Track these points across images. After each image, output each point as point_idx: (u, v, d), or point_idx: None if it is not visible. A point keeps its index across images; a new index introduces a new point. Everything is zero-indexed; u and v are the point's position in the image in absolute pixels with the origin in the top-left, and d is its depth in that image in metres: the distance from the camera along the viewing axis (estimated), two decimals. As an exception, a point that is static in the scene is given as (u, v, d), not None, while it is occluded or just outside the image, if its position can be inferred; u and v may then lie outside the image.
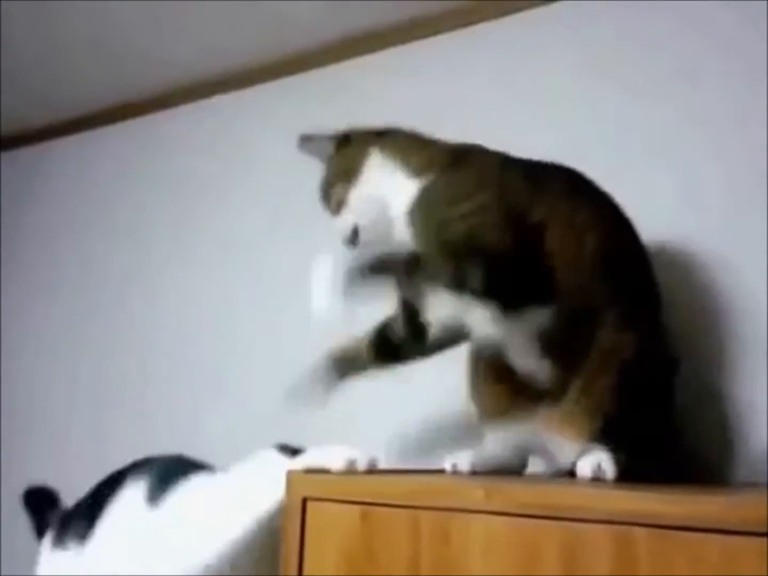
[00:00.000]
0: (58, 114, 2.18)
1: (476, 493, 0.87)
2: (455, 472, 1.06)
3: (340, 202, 1.14)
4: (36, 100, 2.12)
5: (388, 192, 1.11)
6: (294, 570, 0.95)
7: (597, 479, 0.97)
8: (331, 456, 1.01)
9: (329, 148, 1.19)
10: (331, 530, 0.95)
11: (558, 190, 1.08)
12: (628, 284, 1.05)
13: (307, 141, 1.21)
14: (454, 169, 1.09)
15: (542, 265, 1.02)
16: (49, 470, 2.00)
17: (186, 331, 1.88)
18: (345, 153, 1.16)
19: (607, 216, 1.09)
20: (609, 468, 0.98)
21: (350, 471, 1.00)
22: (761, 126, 1.24)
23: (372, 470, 1.01)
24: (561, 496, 0.84)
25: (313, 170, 1.72)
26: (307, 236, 1.70)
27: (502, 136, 1.50)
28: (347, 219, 1.14)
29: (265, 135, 1.84)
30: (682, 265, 1.26)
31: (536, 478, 1.04)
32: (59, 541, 1.21)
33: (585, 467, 0.98)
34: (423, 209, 1.07)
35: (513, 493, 0.86)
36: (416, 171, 1.09)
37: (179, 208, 1.98)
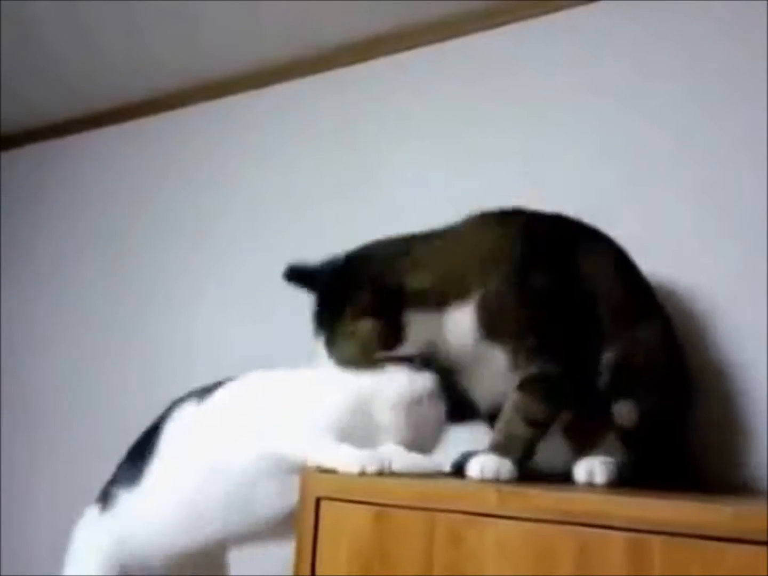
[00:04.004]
0: (61, 113, 2.19)
1: (490, 497, 0.87)
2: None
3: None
4: (38, 98, 2.13)
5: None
6: (307, 569, 0.96)
7: (590, 484, 1.01)
8: (347, 457, 1.01)
9: None
10: (345, 530, 0.95)
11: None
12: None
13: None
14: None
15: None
16: (50, 472, 2.02)
17: (189, 326, 1.89)
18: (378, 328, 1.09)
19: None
20: (600, 473, 1.02)
21: (362, 473, 0.99)
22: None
23: (383, 473, 1.00)
24: (576, 501, 0.84)
25: (314, 172, 1.75)
26: (316, 233, 1.72)
27: (512, 140, 1.52)
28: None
29: (277, 136, 1.85)
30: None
31: (551, 483, 1.04)
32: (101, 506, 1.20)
33: (580, 472, 1.03)
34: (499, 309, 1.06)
35: (527, 497, 0.86)
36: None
37: (183, 207, 1.98)
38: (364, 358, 1.09)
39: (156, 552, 1.14)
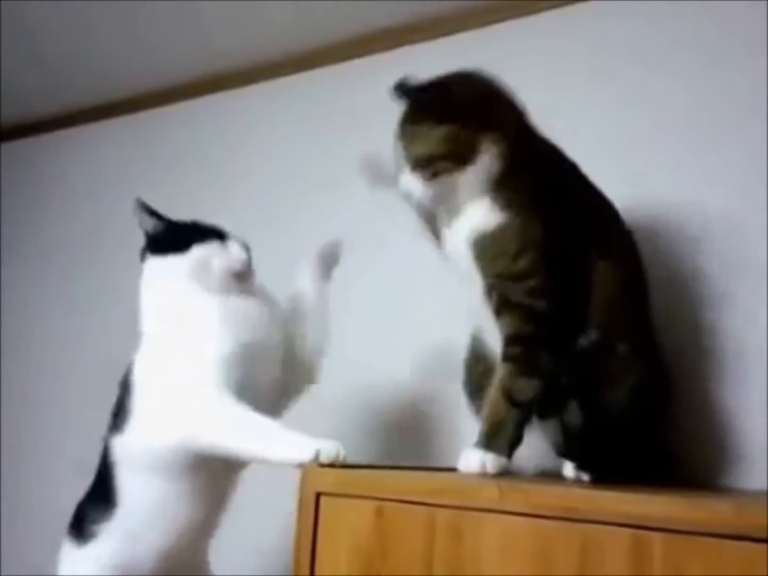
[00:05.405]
0: (61, 105, 2.18)
1: (491, 493, 0.87)
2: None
3: (437, 174, 1.07)
4: (38, 91, 2.12)
5: (471, 201, 1.07)
6: (306, 565, 0.96)
7: (578, 480, 1.03)
8: (295, 446, 1.01)
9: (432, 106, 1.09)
10: (345, 526, 0.95)
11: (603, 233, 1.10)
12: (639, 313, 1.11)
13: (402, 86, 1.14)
14: (527, 215, 1.05)
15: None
16: (49, 470, 2.02)
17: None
18: (457, 133, 1.06)
19: (629, 252, 1.13)
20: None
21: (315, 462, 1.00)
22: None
23: (334, 464, 1.00)
24: (576, 497, 0.84)
25: (309, 169, 1.75)
26: (305, 229, 1.71)
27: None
28: (428, 191, 1.08)
29: (269, 133, 1.85)
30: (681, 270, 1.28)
31: (551, 479, 1.05)
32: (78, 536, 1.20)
33: (567, 468, 1.06)
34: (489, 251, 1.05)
35: (528, 493, 0.86)
36: (500, 206, 1.05)
37: (185, 200, 1.97)
38: (435, 160, 1.07)
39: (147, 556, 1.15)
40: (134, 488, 1.14)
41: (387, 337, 1.57)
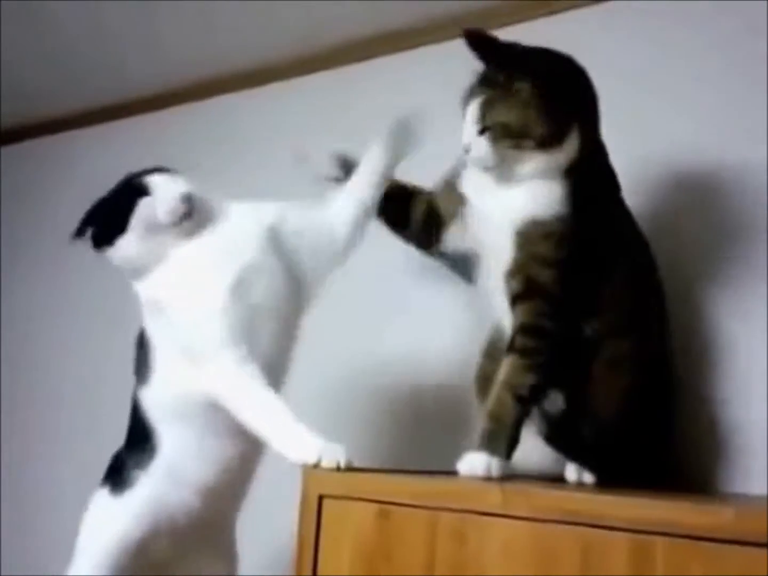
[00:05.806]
0: (64, 107, 2.18)
1: (494, 497, 0.88)
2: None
3: (515, 148, 1.05)
4: (38, 94, 2.13)
5: (531, 179, 1.06)
6: (309, 567, 0.96)
7: (581, 484, 1.05)
8: (299, 445, 1.01)
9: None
10: (347, 528, 0.95)
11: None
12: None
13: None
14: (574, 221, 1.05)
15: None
16: (50, 471, 2.02)
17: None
18: (551, 118, 1.04)
19: (641, 250, 1.14)
20: (589, 474, 1.06)
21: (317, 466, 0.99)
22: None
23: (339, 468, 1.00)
24: (579, 502, 0.85)
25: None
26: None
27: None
28: (493, 157, 1.06)
29: (278, 134, 1.84)
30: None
31: (554, 482, 1.06)
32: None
33: (571, 473, 1.07)
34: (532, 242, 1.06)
35: (531, 497, 0.87)
36: (558, 194, 1.05)
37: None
38: (519, 135, 1.04)
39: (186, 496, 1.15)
40: (172, 430, 1.14)
41: (391, 336, 1.57)
